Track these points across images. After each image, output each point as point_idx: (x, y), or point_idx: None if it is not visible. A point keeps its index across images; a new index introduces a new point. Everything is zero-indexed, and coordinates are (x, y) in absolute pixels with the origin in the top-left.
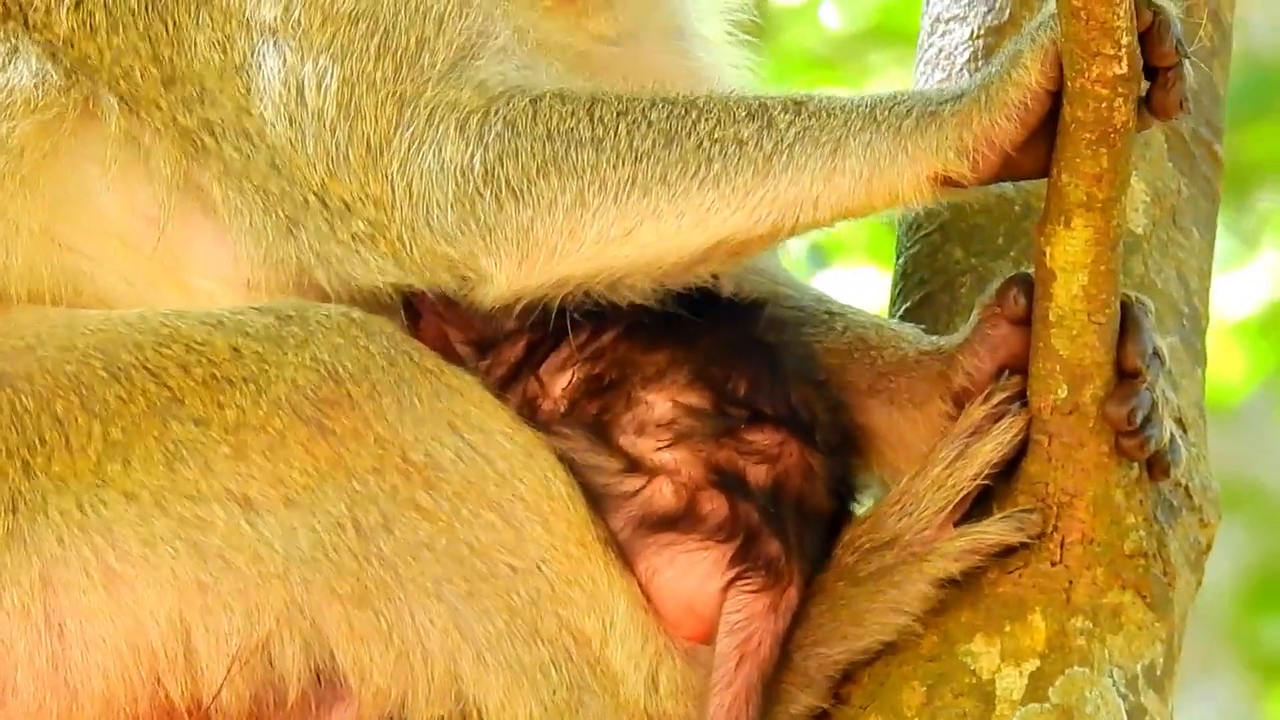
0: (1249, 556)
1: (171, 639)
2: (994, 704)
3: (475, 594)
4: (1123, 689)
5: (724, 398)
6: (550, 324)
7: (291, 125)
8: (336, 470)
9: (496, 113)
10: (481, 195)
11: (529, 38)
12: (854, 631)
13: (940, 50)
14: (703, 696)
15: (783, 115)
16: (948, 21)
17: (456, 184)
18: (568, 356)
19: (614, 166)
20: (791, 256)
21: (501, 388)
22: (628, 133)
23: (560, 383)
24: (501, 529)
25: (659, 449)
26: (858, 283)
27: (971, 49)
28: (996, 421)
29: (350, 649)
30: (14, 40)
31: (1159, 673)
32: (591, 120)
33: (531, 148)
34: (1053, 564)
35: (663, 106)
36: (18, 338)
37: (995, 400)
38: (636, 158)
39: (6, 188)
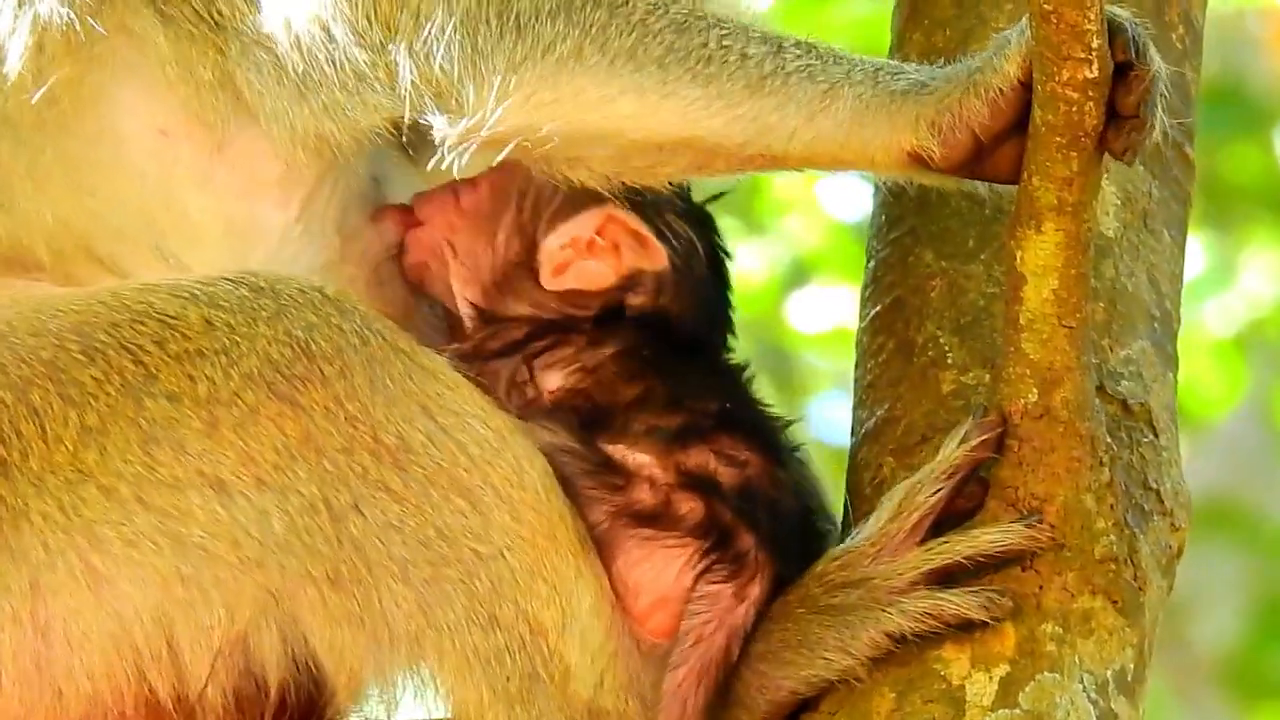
0: (1238, 577)
1: (155, 634)
2: (964, 710)
3: (439, 578)
4: (1093, 694)
5: (696, 413)
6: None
7: None
8: (307, 449)
9: None
10: (487, 23)
11: None
12: (799, 658)
13: None
14: (657, 690)
15: (793, 49)
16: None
17: (465, 7)
18: (566, 359)
19: (620, 33)
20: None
21: (488, 361)
22: (646, 10)
23: (551, 382)
24: (469, 514)
25: (636, 455)
26: (835, 300)
27: None
28: (975, 466)
29: (325, 633)
30: None
31: (1130, 678)
32: None
33: None
34: (1023, 569)
35: (686, 4)
36: None
37: (973, 444)
38: (645, 33)
39: (35, 140)
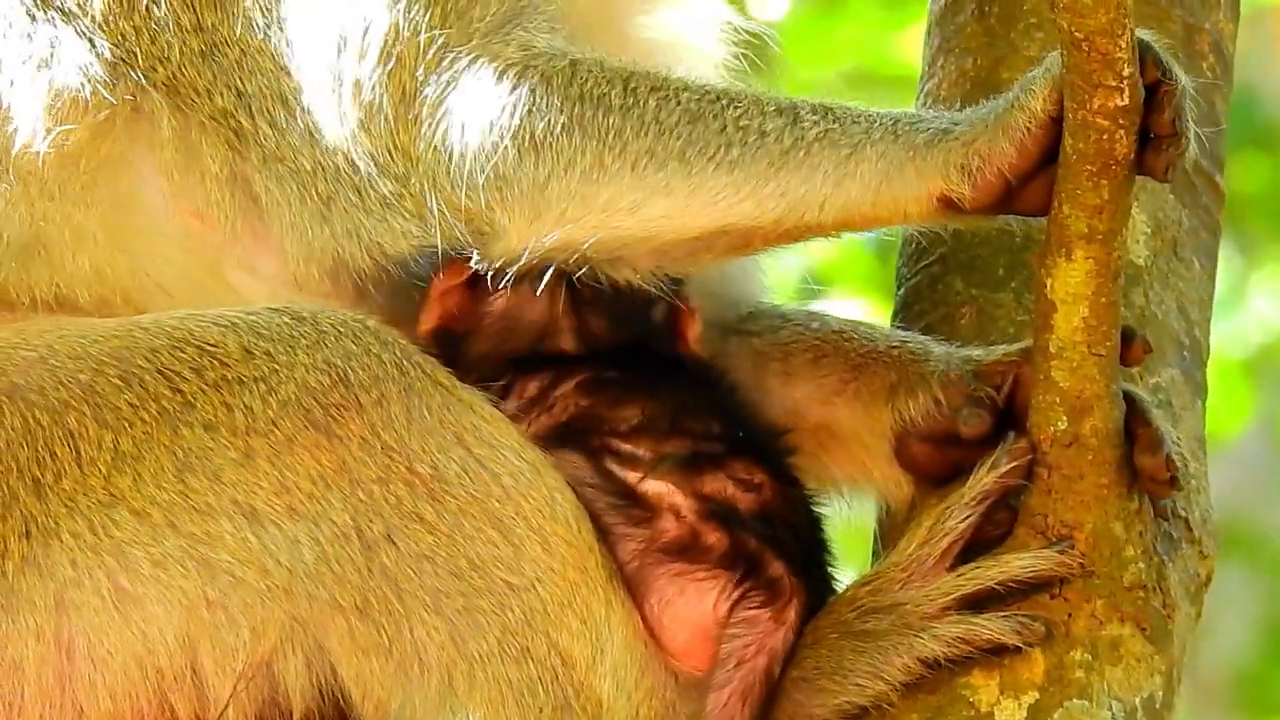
0: (1248, 597)
1: (179, 657)
2: None
3: (471, 609)
4: None
5: (702, 438)
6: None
7: (331, 77)
8: (341, 478)
9: (535, 68)
10: (504, 146)
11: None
12: (831, 685)
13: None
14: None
15: (810, 115)
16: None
17: (481, 133)
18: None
19: (637, 135)
20: (785, 282)
21: None
22: (656, 106)
23: (535, 414)
24: (501, 545)
25: (650, 485)
26: (850, 313)
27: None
28: (1005, 492)
29: (352, 662)
30: (54, 29)
31: (1158, 705)
32: (625, 89)
33: (561, 105)
34: (1051, 596)
35: (697, 89)
36: (29, 348)
37: (1002, 470)
38: (660, 131)
39: (68, 195)
